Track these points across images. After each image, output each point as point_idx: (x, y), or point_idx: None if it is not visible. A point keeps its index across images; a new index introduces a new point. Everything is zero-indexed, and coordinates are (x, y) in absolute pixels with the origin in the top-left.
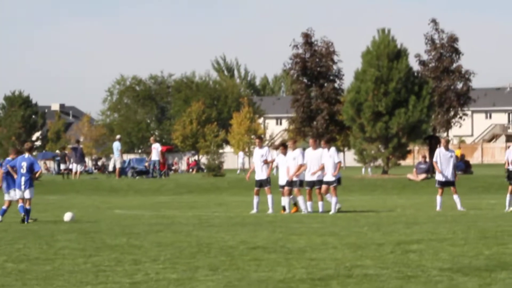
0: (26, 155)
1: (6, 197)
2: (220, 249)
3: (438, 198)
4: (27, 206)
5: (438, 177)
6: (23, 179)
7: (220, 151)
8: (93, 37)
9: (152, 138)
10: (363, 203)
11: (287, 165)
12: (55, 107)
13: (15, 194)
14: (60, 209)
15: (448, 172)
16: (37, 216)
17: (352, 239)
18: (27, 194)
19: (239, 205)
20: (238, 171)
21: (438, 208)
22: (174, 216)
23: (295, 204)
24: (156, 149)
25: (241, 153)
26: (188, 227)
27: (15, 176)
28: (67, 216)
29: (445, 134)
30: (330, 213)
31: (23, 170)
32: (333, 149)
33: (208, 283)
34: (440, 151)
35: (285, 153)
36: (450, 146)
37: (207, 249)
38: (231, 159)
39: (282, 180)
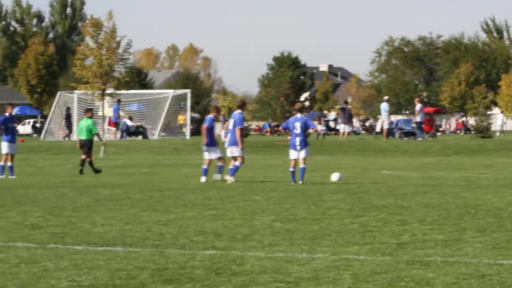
0: (299, 115)
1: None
2: (488, 210)
3: None
4: (302, 165)
5: None
6: (297, 139)
7: (488, 112)
8: None
9: (416, 99)
10: None
11: None
12: (324, 68)
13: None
14: (328, 170)
15: None
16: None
17: None
18: (303, 154)
19: (507, 166)
20: (498, 133)
21: None
22: (441, 178)
23: None
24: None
25: (500, 115)
26: (455, 188)
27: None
28: (335, 176)
29: None
30: None
31: (297, 131)
32: None
33: (476, 245)
34: None
35: None
36: None
37: (474, 210)
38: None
39: None
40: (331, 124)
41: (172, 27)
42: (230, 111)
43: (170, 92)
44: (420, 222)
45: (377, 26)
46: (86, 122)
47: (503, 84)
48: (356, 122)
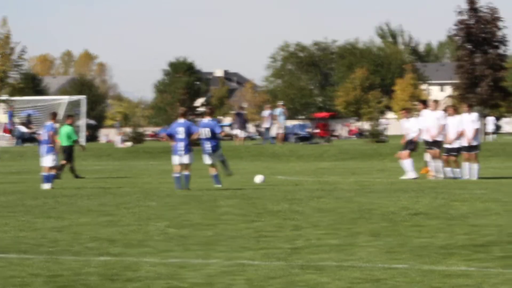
0: (182, 120)
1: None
2: (382, 215)
3: None
4: (186, 172)
5: None
6: (181, 144)
7: (383, 118)
8: (257, 3)
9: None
10: None
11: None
12: (219, 73)
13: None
14: (221, 175)
15: None
16: (199, 182)
17: None
18: (186, 159)
19: (401, 171)
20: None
21: None
22: (336, 182)
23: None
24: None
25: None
26: (350, 193)
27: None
28: (258, 179)
29: None
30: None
31: (181, 136)
32: (475, 114)
33: (369, 249)
34: None
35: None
36: None
37: (368, 215)
38: (394, 125)
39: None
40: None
41: (67, 33)
42: (125, 117)
43: (66, 98)
44: (315, 227)
45: (273, 32)
46: None
47: (397, 89)
48: (251, 128)
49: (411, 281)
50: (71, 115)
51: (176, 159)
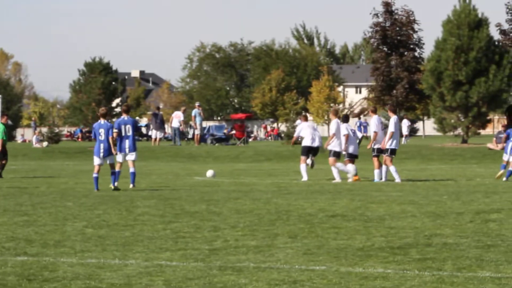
0: (102, 121)
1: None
2: (299, 216)
3: None
4: (117, 169)
5: None
6: (101, 145)
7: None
8: (173, 4)
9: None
10: (442, 172)
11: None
12: (135, 74)
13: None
14: (139, 176)
15: None
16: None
17: (432, 208)
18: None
19: (317, 173)
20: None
21: None
22: (253, 184)
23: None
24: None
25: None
26: (267, 194)
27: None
28: (209, 173)
29: None
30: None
31: (101, 137)
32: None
33: (287, 251)
34: None
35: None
36: None
37: (286, 216)
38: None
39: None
40: (143, 130)
41: None
42: (41, 117)
43: None
44: (232, 228)
45: (189, 32)
46: None
47: (313, 91)
48: (167, 128)
49: (328, 283)
50: (5, 114)
51: (97, 160)
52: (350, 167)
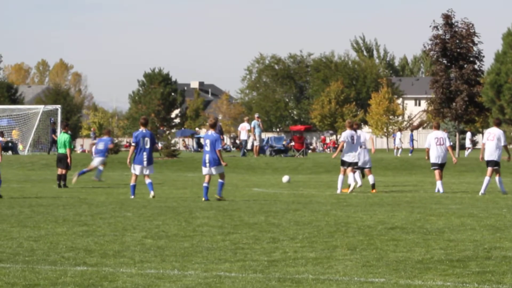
0: (144, 130)
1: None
2: (358, 228)
3: None
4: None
5: None
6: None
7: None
8: (233, 16)
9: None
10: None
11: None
12: (194, 85)
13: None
14: (198, 186)
15: None
16: (175, 194)
17: (491, 221)
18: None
19: (378, 185)
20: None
21: None
22: (312, 195)
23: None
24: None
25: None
26: (326, 206)
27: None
28: (285, 178)
29: None
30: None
31: (147, 146)
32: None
33: (346, 263)
34: None
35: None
36: None
37: (345, 228)
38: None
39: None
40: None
41: (43, 42)
42: (100, 127)
43: (40, 108)
44: (291, 240)
45: (248, 44)
46: None
47: (373, 103)
48: (227, 139)
49: None
50: (66, 124)
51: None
52: (351, 178)
